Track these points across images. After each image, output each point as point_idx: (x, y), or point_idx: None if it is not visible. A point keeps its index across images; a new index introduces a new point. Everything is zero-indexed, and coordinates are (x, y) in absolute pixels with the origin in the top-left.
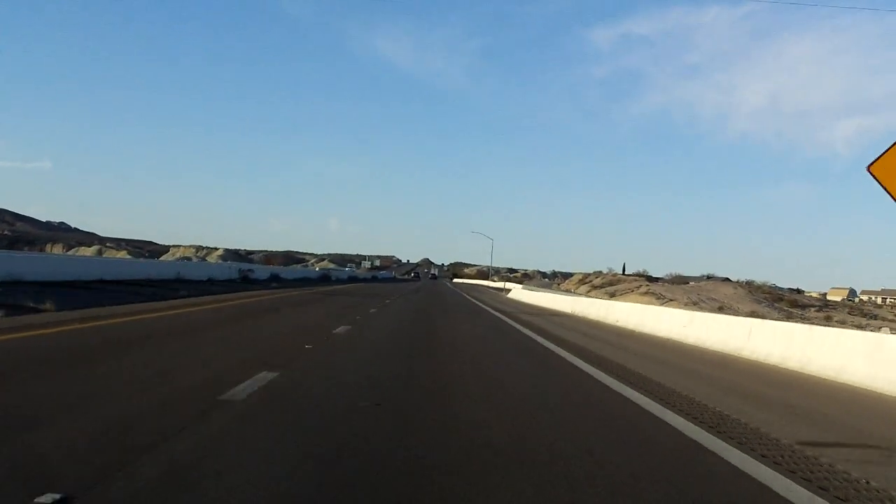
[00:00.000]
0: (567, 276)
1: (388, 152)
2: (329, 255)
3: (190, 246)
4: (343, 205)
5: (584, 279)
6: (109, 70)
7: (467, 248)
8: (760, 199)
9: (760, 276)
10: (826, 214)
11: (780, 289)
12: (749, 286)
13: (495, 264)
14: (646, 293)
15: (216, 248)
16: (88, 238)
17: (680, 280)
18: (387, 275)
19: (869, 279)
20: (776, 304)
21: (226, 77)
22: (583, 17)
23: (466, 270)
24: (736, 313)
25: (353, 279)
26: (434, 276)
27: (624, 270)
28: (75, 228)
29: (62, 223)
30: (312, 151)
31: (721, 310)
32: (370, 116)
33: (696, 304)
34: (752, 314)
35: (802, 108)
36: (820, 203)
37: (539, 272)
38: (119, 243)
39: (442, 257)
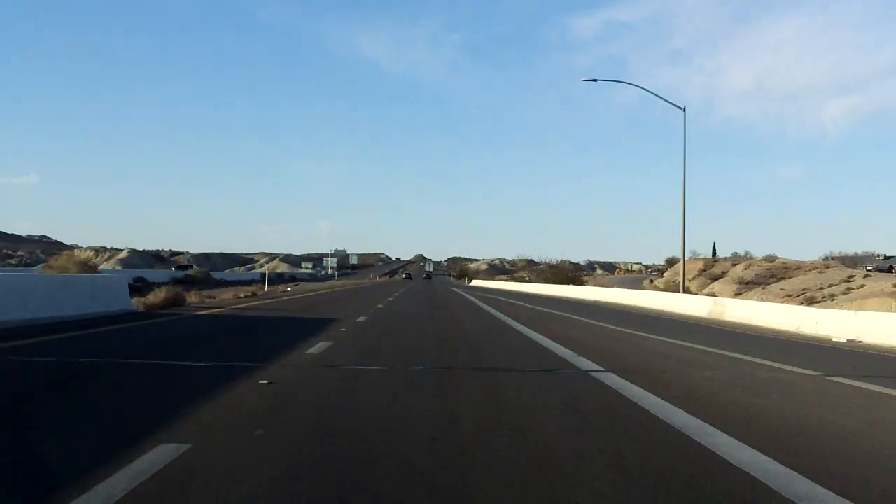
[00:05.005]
0: (605, 266)
1: (374, 151)
2: (311, 255)
3: (88, 248)
4: (329, 205)
5: (707, 269)
6: (91, 78)
7: (464, 242)
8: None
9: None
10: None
11: None
12: None
13: (496, 255)
14: None
15: (121, 250)
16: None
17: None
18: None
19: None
20: None
21: (206, 84)
22: (564, 7)
23: (472, 266)
24: None
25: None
26: (429, 276)
27: (714, 254)
28: (56, 241)
29: (43, 236)
30: (297, 153)
31: None
32: (355, 115)
33: None
34: None
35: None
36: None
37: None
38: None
39: (438, 255)
